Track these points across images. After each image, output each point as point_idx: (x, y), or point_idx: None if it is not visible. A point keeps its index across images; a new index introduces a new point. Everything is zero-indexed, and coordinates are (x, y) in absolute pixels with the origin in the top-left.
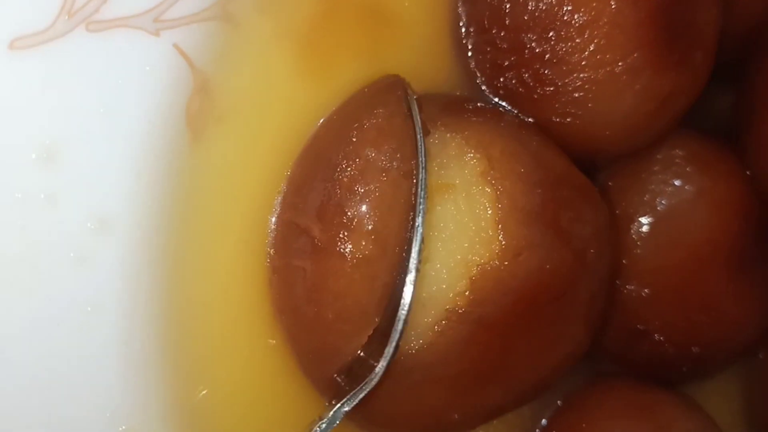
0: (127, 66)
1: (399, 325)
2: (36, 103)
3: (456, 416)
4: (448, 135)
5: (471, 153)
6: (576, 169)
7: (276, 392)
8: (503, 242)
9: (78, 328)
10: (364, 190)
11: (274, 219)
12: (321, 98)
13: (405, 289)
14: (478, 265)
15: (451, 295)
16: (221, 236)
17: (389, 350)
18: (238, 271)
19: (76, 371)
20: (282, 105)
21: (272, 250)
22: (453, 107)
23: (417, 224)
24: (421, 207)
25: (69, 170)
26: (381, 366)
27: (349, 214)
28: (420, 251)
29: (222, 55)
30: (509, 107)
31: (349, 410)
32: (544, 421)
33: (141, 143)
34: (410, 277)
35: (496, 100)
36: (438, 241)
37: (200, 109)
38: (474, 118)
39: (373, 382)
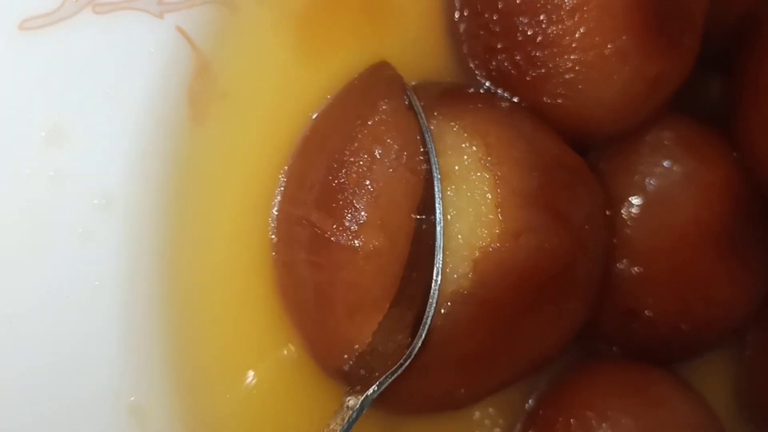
0: (131, 47)
1: (431, 310)
2: (44, 83)
3: (463, 391)
4: (445, 124)
5: (468, 141)
6: (570, 150)
7: (279, 366)
8: (503, 225)
9: (85, 302)
10: (374, 187)
11: (276, 211)
12: (320, 82)
13: (434, 271)
14: (480, 248)
15: (455, 278)
16: (222, 216)
17: (421, 332)
18: (239, 251)
19: (82, 345)
20: (281, 87)
21: (278, 243)
22: (449, 96)
23: (437, 213)
24: (438, 195)
25: (76, 149)
26: (413, 348)
27: (359, 209)
28: (441, 235)
29: (222, 38)
30: (502, 92)
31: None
32: (533, 400)
33: (144, 123)
34: (438, 260)
35: (489, 84)
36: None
37: (202, 90)
38: (470, 106)
39: (403, 368)
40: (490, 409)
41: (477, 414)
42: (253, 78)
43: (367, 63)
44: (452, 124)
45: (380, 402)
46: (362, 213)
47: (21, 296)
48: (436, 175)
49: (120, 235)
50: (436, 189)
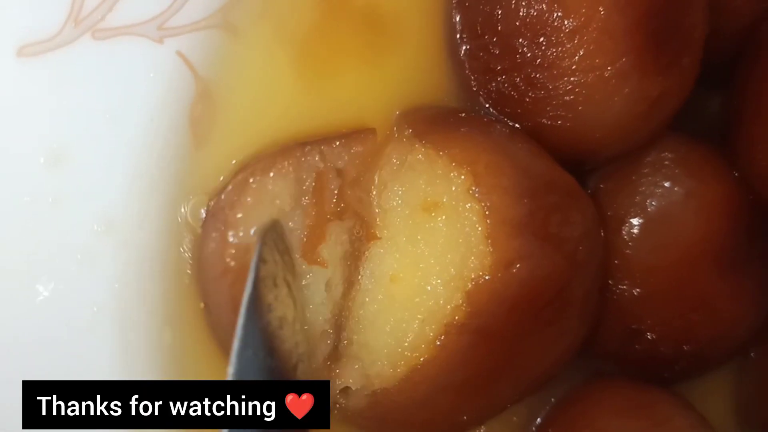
0: (131, 72)
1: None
2: (44, 109)
3: (465, 418)
4: (434, 153)
5: (456, 170)
6: (562, 171)
7: None
8: (494, 255)
9: (84, 329)
10: None
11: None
12: (321, 105)
13: None
14: (472, 279)
15: (449, 309)
16: None
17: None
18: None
19: (82, 372)
20: (282, 111)
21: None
22: (440, 122)
23: None
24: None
25: (75, 174)
26: None
27: None
28: None
29: (223, 61)
30: (500, 115)
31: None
32: (540, 419)
33: (145, 148)
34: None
35: (489, 107)
36: (431, 257)
37: (202, 114)
38: (460, 133)
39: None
40: (497, 430)
41: None
42: (253, 101)
43: (367, 86)
44: (440, 153)
45: (380, 430)
46: None
47: (21, 323)
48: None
49: (119, 260)
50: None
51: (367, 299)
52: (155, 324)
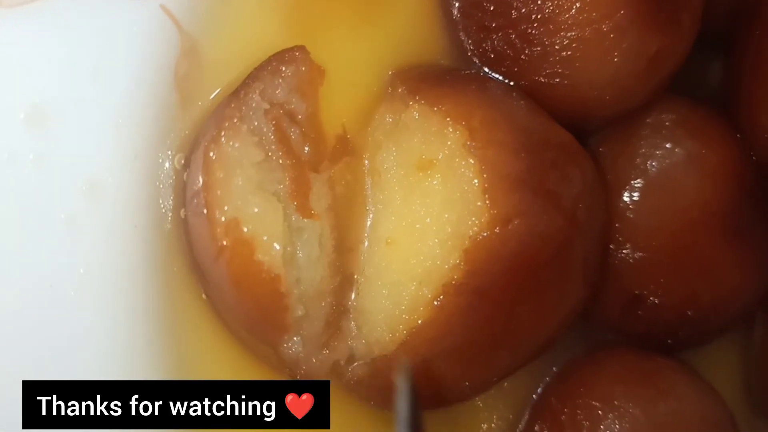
0: (114, 27)
1: None
2: (25, 63)
3: (467, 384)
4: (428, 109)
5: (451, 126)
6: (559, 128)
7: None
8: (492, 212)
9: (71, 291)
10: None
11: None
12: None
13: None
14: (469, 237)
15: (446, 269)
16: None
17: None
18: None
19: (70, 338)
20: None
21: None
22: (434, 80)
23: None
24: None
25: (57, 132)
26: None
27: None
28: None
29: (210, 17)
30: (497, 74)
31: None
32: (540, 390)
33: (129, 105)
34: None
35: (485, 66)
36: (427, 217)
37: (188, 72)
38: (454, 90)
39: None
40: (497, 400)
41: (484, 405)
42: (242, 60)
43: (360, 44)
44: (435, 108)
45: (383, 400)
46: None
47: (5, 287)
48: None
49: (107, 222)
50: None
51: (363, 263)
52: (143, 287)
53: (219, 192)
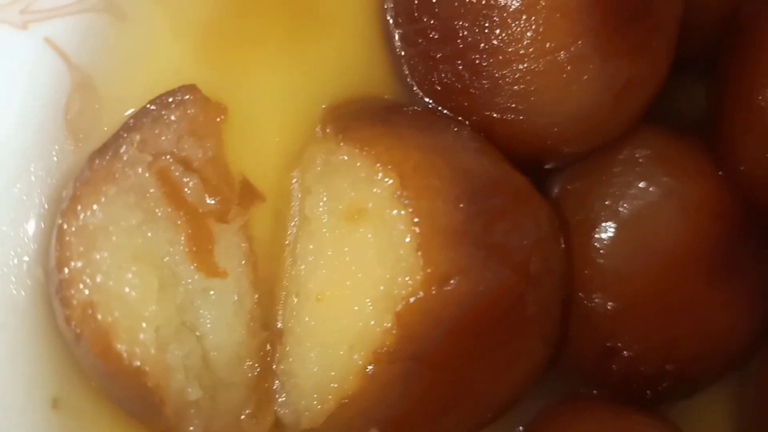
0: None
1: None
2: None
3: None
4: (358, 152)
5: (381, 172)
6: (511, 171)
7: None
8: (426, 270)
9: None
10: None
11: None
12: (229, 98)
13: None
14: (402, 299)
15: (378, 332)
16: None
17: None
18: None
19: None
20: None
21: None
22: (369, 116)
23: None
24: None
25: None
26: None
27: None
28: None
29: (108, 51)
30: (444, 109)
31: None
32: None
33: (7, 147)
34: None
35: (431, 101)
36: (359, 272)
37: (81, 109)
38: (389, 129)
39: None
40: None
41: None
42: (149, 95)
43: (287, 79)
44: (364, 152)
45: None
46: None
47: None
48: None
49: None
50: None
51: (292, 321)
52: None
53: (72, 269)
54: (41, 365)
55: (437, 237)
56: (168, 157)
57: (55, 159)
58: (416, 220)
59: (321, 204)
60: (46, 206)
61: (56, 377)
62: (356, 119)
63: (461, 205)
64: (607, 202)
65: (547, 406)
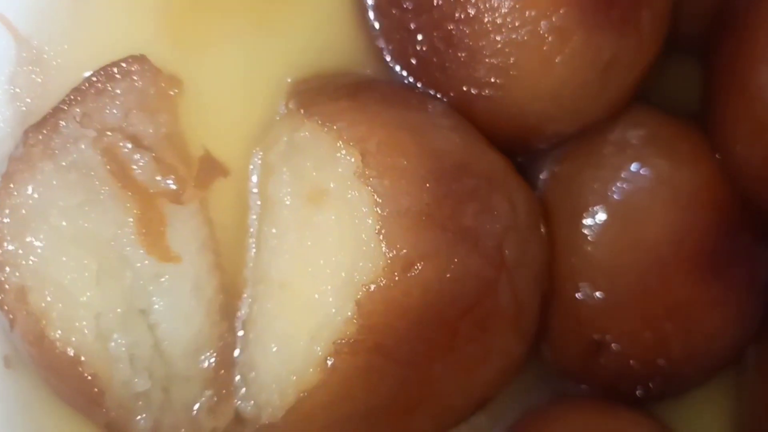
0: None
1: None
2: None
3: None
4: (320, 128)
5: (344, 149)
6: (488, 150)
7: None
8: (388, 255)
9: None
10: None
11: None
12: (193, 74)
13: None
14: (363, 286)
15: (339, 322)
16: None
17: None
18: None
19: None
20: None
21: None
22: (334, 90)
23: None
24: None
25: None
26: None
27: None
28: None
29: (56, 22)
30: (421, 85)
31: None
32: None
33: None
34: None
35: (407, 75)
36: (321, 258)
37: (27, 85)
38: (354, 104)
39: None
40: None
41: None
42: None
43: (254, 49)
44: (326, 127)
45: None
46: None
47: None
48: None
49: None
50: None
51: (254, 311)
52: None
53: (5, 252)
54: None
55: (401, 219)
56: (116, 133)
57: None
58: (378, 200)
59: (284, 185)
60: None
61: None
62: (321, 94)
63: (427, 185)
64: (596, 186)
65: (533, 405)
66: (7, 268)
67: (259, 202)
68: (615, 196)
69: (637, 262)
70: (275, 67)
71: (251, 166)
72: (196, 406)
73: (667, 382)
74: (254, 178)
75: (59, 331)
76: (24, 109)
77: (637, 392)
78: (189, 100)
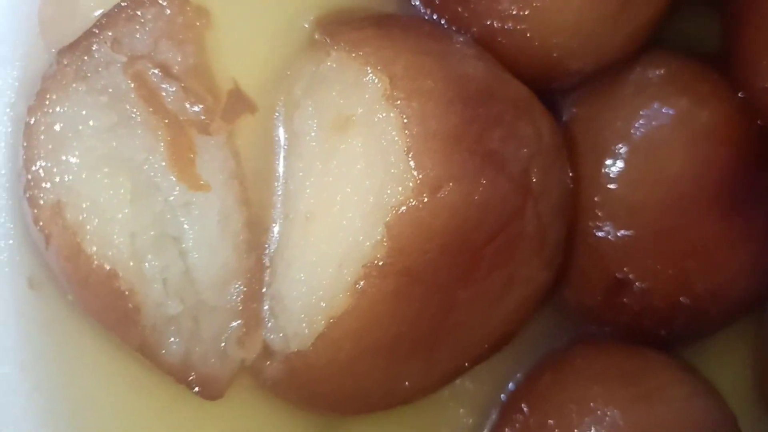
0: None
1: None
2: None
3: (407, 384)
4: (346, 56)
5: (371, 74)
6: (511, 79)
7: None
8: (418, 176)
9: None
10: None
11: None
12: (222, 8)
13: None
14: (392, 208)
15: (368, 246)
16: None
17: None
18: None
19: None
20: None
21: None
22: (359, 21)
23: None
24: None
25: None
26: None
27: None
28: None
29: None
30: (446, 22)
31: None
32: (510, 389)
33: None
34: None
35: (430, 12)
36: (348, 186)
37: (54, 17)
38: (379, 32)
39: None
40: (460, 402)
41: (445, 408)
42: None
43: None
44: (353, 54)
45: (304, 402)
46: None
47: None
48: None
49: None
50: None
51: (281, 243)
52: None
53: (41, 168)
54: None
55: (429, 141)
56: (145, 60)
57: (30, 64)
58: (407, 122)
59: (309, 117)
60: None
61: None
62: (346, 25)
63: (455, 109)
64: (617, 125)
65: (556, 346)
66: (43, 184)
67: (285, 137)
68: (636, 135)
69: (659, 199)
70: (297, 5)
71: (276, 102)
72: (225, 337)
73: (690, 322)
74: (279, 113)
75: (95, 247)
76: (55, 41)
77: (662, 332)
78: (215, 33)
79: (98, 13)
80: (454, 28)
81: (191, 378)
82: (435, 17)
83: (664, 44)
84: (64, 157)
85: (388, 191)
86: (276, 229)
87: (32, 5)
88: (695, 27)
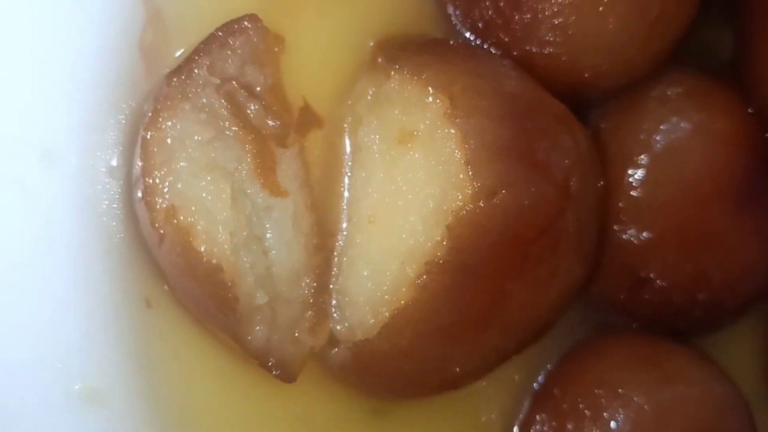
0: None
1: None
2: None
3: (458, 369)
4: (409, 78)
5: (432, 95)
6: (551, 98)
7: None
8: (475, 184)
9: (33, 264)
10: None
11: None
12: (288, 32)
13: None
14: (452, 212)
15: (429, 246)
16: None
17: None
18: None
19: (36, 316)
20: None
21: None
22: (416, 47)
23: None
24: None
25: (13, 102)
26: None
27: None
28: None
29: None
30: (487, 46)
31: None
32: (541, 378)
33: (90, 77)
34: None
35: (474, 37)
36: (409, 193)
37: (153, 40)
38: (436, 57)
39: None
40: (496, 389)
41: (482, 394)
42: (209, 27)
43: (340, 14)
44: (415, 77)
45: (367, 387)
46: None
47: None
48: None
49: (59, 194)
50: None
51: (345, 244)
52: (96, 258)
53: (156, 176)
54: (135, 268)
55: (485, 153)
56: (234, 82)
57: (134, 84)
58: (465, 137)
59: (372, 131)
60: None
61: (149, 279)
62: (404, 50)
63: (507, 123)
64: (641, 137)
65: (581, 336)
66: (159, 191)
67: (349, 149)
68: (657, 145)
69: (678, 203)
70: (357, 32)
71: (341, 117)
72: (298, 326)
73: (707, 314)
74: (344, 127)
75: (204, 245)
76: (154, 63)
77: (679, 325)
78: (288, 57)
79: (190, 40)
80: (497, 52)
81: (271, 363)
82: (479, 42)
83: (679, 56)
84: (174, 167)
85: (449, 197)
86: (340, 232)
87: (134, 35)
88: (709, 40)
